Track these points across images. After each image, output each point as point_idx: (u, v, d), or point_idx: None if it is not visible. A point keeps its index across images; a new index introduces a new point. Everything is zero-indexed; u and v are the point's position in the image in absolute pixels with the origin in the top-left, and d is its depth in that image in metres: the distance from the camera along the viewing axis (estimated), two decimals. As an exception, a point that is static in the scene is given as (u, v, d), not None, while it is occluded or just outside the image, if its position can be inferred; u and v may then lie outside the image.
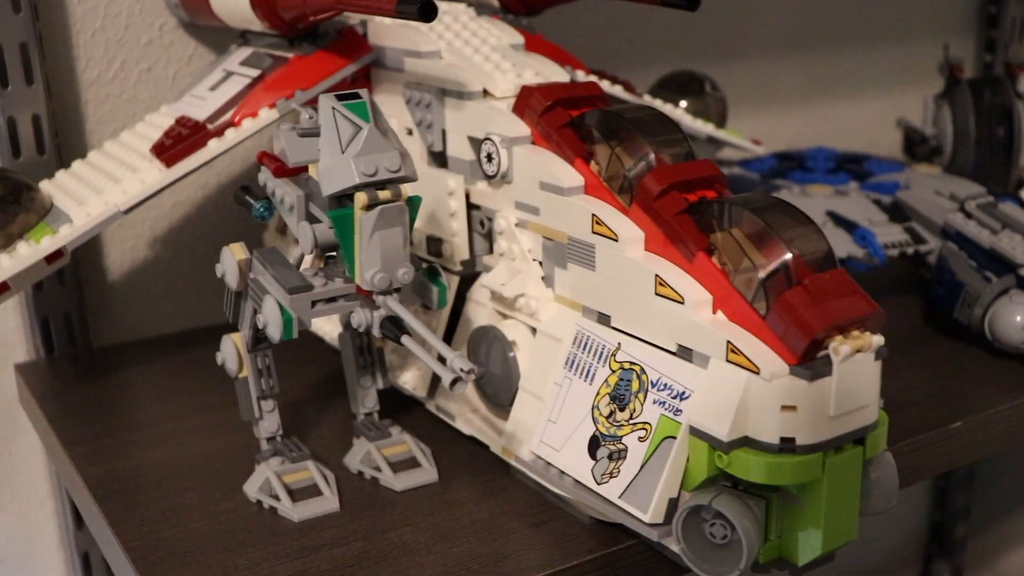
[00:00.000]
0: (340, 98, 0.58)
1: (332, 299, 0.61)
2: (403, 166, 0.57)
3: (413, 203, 0.59)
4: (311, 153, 0.60)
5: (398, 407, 0.74)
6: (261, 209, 0.64)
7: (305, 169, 0.62)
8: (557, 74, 0.71)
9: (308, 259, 0.63)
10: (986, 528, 1.58)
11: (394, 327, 0.58)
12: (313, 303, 0.60)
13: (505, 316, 0.67)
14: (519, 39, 0.75)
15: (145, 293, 0.93)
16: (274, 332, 0.59)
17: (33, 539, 0.93)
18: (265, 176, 0.63)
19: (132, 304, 0.93)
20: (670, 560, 0.59)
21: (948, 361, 0.82)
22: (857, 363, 0.53)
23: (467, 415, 0.70)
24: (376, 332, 0.59)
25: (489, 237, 0.69)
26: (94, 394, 0.81)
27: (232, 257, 0.64)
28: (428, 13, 0.59)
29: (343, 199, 0.58)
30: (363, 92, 0.58)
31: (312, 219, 0.61)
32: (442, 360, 0.55)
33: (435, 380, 0.72)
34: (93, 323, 0.91)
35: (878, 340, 0.54)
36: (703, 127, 0.98)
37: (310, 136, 0.60)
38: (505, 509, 0.63)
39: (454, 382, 0.53)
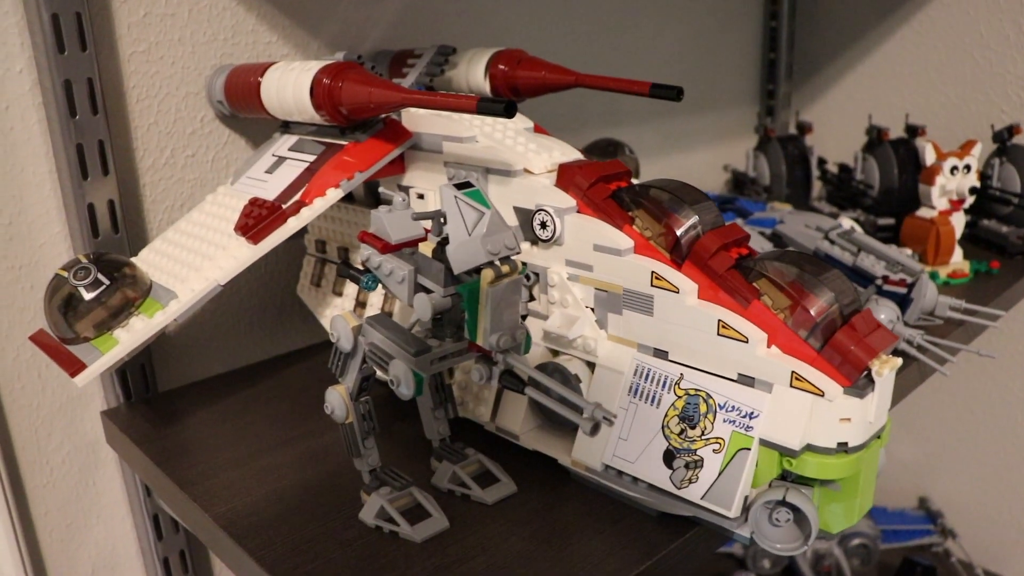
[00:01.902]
0: (458, 187, 0.47)
1: (444, 356, 0.50)
2: (517, 243, 0.48)
3: (523, 273, 0.50)
4: (412, 231, 0.50)
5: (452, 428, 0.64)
6: (368, 281, 0.53)
7: (408, 244, 0.51)
8: (572, 153, 0.62)
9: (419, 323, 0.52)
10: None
11: (514, 379, 0.49)
12: (431, 362, 0.50)
13: (556, 353, 0.59)
14: (529, 123, 0.67)
15: (194, 343, 0.79)
16: (406, 391, 0.49)
17: (118, 549, 0.78)
18: (369, 252, 0.52)
19: (184, 353, 0.78)
20: (719, 535, 0.52)
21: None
22: (886, 379, 0.48)
23: (528, 433, 0.61)
24: (494, 383, 0.49)
25: (530, 289, 0.60)
26: (184, 436, 0.66)
27: (346, 324, 0.52)
28: (512, 111, 0.50)
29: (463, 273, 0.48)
30: (474, 180, 0.48)
31: (422, 289, 0.50)
32: (570, 405, 0.46)
33: (495, 406, 0.62)
34: (159, 371, 0.76)
35: (898, 361, 0.49)
36: (620, 181, 0.91)
37: (422, 219, 0.49)
38: (584, 512, 0.55)
39: (595, 427, 0.45)
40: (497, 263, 0.47)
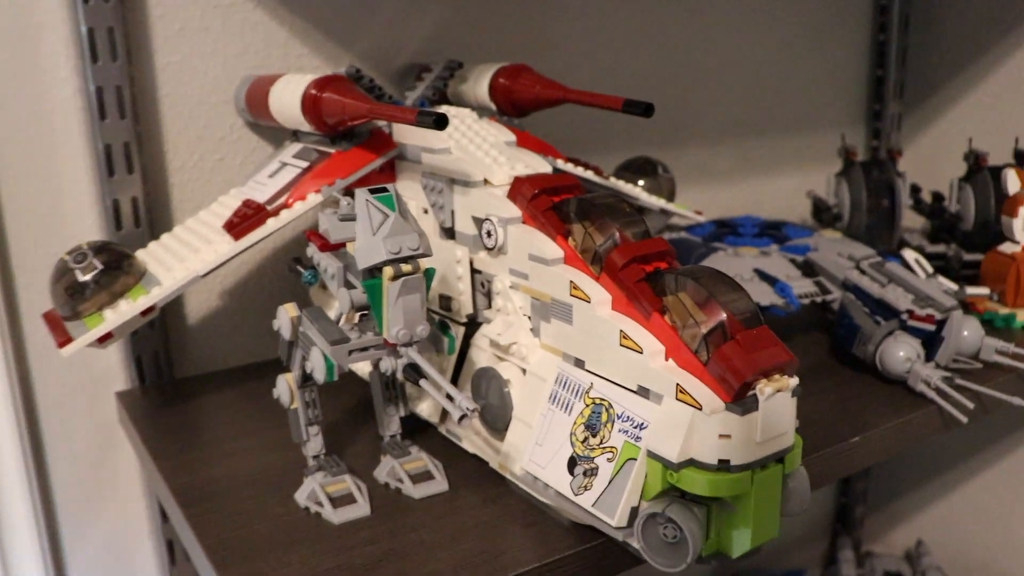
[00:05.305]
0: (372, 191, 0.57)
1: (365, 348, 0.60)
2: (421, 245, 0.57)
3: (428, 274, 0.59)
4: (348, 233, 0.60)
5: (415, 429, 0.74)
6: (309, 276, 0.64)
7: (343, 245, 0.61)
8: (542, 166, 0.70)
9: (344, 316, 0.62)
10: (879, 510, 1.57)
11: (414, 372, 0.58)
12: (350, 352, 0.60)
13: (501, 359, 0.67)
14: (512, 137, 0.75)
15: (216, 334, 0.93)
16: (319, 376, 0.59)
17: (130, 529, 0.92)
18: (312, 250, 0.63)
19: (206, 343, 0.92)
20: (630, 554, 0.58)
21: (847, 387, 0.82)
22: (778, 400, 0.53)
23: (471, 437, 0.70)
24: (399, 376, 0.59)
25: (488, 295, 0.69)
26: (178, 417, 0.80)
27: (286, 314, 0.63)
28: (442, 124, 0.60)
29: (374, 270, 0.58)
30: (390, 186, 0.58)
31: (349, 285, 0.61)
32: (450, 398, 0.55)
33: (445, 408, 0.71)
34: (176, 358, 0.90)
35: (794, 382, 0.54)
36: (657, 201, 0.98)
37: (348, 220, 0.59)
38: (502, 513, 0.63)
39: (461, 418, 0.53)
40: (400, 263, 0.56)
